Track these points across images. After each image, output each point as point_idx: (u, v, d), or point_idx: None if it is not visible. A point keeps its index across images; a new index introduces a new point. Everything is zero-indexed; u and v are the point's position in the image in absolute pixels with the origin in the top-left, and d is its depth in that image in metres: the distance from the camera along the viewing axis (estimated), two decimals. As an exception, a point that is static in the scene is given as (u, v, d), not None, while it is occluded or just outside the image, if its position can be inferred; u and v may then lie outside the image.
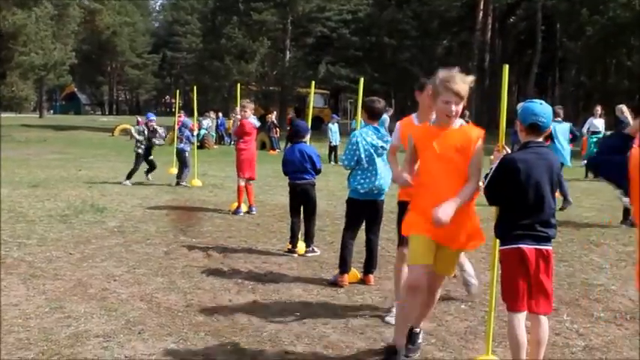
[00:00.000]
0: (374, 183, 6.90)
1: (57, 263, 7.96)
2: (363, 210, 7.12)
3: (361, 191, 6.97)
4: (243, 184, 11.93)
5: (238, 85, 14.20)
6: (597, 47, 44.85)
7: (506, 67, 5.00)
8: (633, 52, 43.28)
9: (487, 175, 4.59)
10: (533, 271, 4.40)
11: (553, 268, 4.55)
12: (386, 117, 21.90)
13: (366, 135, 6.90)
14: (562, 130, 13.11)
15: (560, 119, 13.38)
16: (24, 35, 40.87)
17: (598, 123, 18.84)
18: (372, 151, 6.88)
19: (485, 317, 5.57)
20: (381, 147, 6.88)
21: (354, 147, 6.89)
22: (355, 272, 7.39)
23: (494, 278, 4.96)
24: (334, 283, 7.21)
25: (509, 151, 4.73)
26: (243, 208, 12.00)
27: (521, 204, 4.43)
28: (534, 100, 4.74)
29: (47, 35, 45.90)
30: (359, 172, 6.94)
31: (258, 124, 12.76)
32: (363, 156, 6.85)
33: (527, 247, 4.39)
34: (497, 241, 4.65)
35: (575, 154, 24.64)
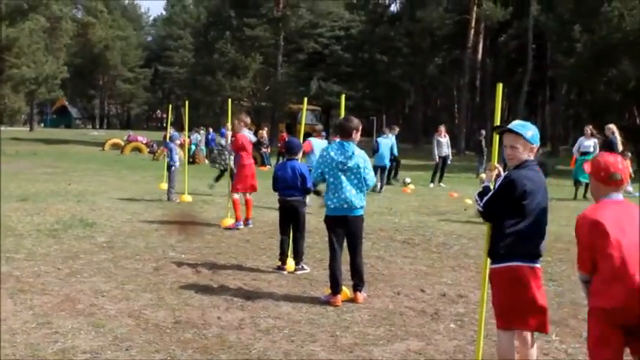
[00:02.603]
0: (340, 197, 7.10)
1: (45, 278, 7.92)
2: (338, 226, 7.26)
3: (331, 207, 7.20)
4: (237, 197, 11.98)
5: (230, 100, 14.17)
6: (587, 66, 45.10)
7: (500, 86, 5.02)
8: (622, 71, 43.54)
9: (480, 193, 4.61)
10: (527, 289, 4.41)
11: (543, 285, 4.58)
12: (391, 137, 22.08)
13: (331, 150, 7.26)
14: (385, 143, 19.96)
15: (386, 135, 20.66)
16: (16, 48, 40.87)
17: (589, 143, 18.88)
18: (333, 165, 7.14)
19: (475, 337, 5.57)
20: (340, 162, 7.13)
21: (320, 160, 7.29)
22: (345, 291, 7.38)
23: (484, 297, 4.95)
24: (326, 303, 7.19)
25: (502, 170, 4.75)
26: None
27: (523, 222, 4.46)
28: (525, 121, 4.79)
29: (39, 48, 45.92)
30: (328, 187, 7.23)
31: (253, 138, 12.72)
32: (327, 169, 7.16)
33: (524, 265, 4.44)
34: (488, 259, 4.66)
35: (565, 173, 24.79)
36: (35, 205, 14.14)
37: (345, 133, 7.25)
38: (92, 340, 5.77)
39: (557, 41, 49.16)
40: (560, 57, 47.53)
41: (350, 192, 7.09)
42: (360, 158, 7.21)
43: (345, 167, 7.10)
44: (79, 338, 5.79)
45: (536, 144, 4.60)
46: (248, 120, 12.56)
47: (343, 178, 7.09)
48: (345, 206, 7.10)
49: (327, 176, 7.18)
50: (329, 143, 10.51)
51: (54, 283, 7.68)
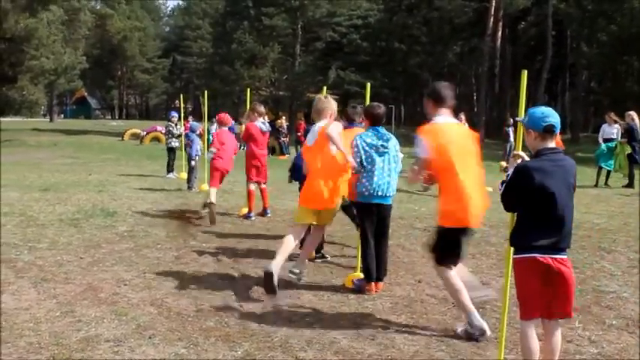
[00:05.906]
0: (377, 183, 6.95)
1: (67, 267, 7.98)
2: (372, 213, 7.10)
3: (365, 194, 7.03)
4: (253, 188, 11.91)
5: (248, 90, 14.09)
6: (609, 53, 44.68)
7: (525, 73, 4.91)
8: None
9: (503, 181, 4.55)
10: (548, 280, 4.35)
11: (572, 275, 4.50)
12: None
13: (365, 137, 7.05)
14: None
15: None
16: (35, 39, 40.99)
17: (611, 130, 18.72)
18: (372, 152, 6.97)
19: (497, 324, 5.55)
20: (381, 146, 6.98)
21: (356, 149, 7.01)
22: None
23: (507, 285, 4.93)
24: (359, 291, 7.16)
25: (527, 158, 4.65)
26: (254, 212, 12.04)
27: (536, 213, 4.38)
28: (537, 107, 4.69)
29: (58, 40, 46.02)
30: (363, 174, 7.00)
31: (265, 127, 12.34)
32: (363, 157, 6.96)
33: (542, 257, 4.35)
34: (511, 248, 4.63)
35: (585, 160, 24.58)
36: (57, 195, 14.23)
37: (376, 120, 7.14)
38: (115, 328, 5.80)
39: (578, 29, 48.74)
40: (581, 45, 47.23)
41: (385, 178, 6.99)
42: (395, 141, 7.17)
43: (386, 150, 6.96)
44: (102, 326, 5.84)
45: (533, 128, 4.46)
46: (262, 109, 12.30)
47: (380, 164, 6.96)
48: (380, 193, 7.01)
49: (365, 162, 6.95)
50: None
51: (76, 272, 7.74)
